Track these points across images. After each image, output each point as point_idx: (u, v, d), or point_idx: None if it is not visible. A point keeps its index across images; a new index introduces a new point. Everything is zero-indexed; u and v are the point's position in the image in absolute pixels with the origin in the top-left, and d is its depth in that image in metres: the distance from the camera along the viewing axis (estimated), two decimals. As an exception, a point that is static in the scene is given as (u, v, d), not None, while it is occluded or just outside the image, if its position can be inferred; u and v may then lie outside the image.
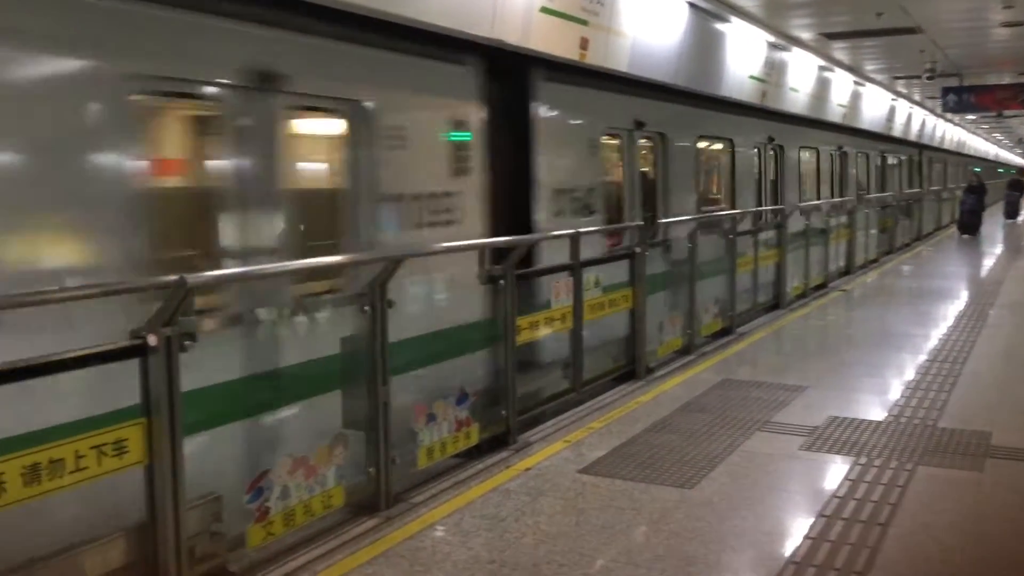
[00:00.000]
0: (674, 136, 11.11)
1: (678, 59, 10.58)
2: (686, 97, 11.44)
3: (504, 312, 6.09)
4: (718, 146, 13.42)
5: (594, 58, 8.58)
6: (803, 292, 12.81)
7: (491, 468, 5.61)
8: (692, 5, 10.81)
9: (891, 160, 25.06)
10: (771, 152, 15.30)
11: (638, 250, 7.94)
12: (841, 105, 18.94)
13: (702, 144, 12.53)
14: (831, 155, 19.10)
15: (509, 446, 6.00)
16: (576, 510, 4.95)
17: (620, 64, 9.22)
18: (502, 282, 6.01)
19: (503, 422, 6.07)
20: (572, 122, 8.98)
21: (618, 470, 5.52)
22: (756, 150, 14.59)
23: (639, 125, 10.25)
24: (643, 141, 10.69)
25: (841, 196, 18.93)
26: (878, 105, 22.39)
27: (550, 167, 8.35)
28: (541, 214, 8.24)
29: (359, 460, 4.91)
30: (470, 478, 5.44)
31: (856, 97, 20.02)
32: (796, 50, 15.09)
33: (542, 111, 8.27)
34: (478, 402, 5.76)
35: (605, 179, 9.74)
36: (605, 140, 9.85)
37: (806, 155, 17.36)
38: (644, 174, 10.78)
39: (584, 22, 8.36)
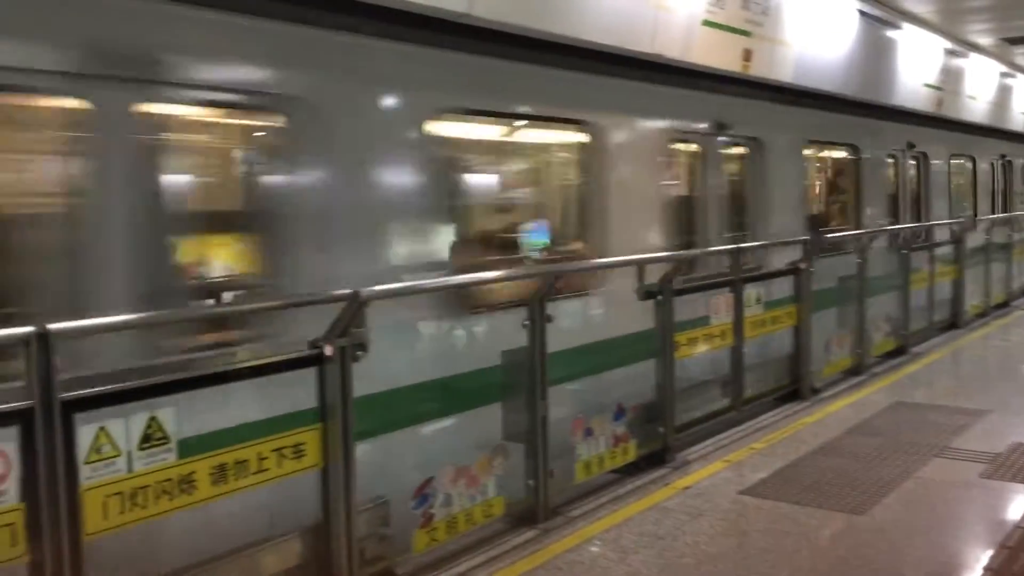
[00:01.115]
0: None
1: (847, 68, 10.22)
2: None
3: (662, 328, 6.04)
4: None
5: (757, 69, 8.42)
6: (983, 311, 12.06)
7: (649, 485, 5.57)
8: (862, 13, 10.42)
9: None
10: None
11: (803, 266, 7.70)
12: None
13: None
14: None
15: (667, 464, 5.93)
16: (738, 532, 4.85)
17: (785, 75, 8.99)
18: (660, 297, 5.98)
19: (660, 439, 6.02)
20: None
21: (782, 493, 5.36)
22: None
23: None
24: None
25: None
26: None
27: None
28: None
29: (518, 472, 4.99)
30: (627, 494, 5.41)
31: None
32: (974, 56, 14.27)
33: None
34: (635, 418, 5.74)
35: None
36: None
37: None
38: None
39: (747, 33, 8.21)
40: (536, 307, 4.94)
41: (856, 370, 8.56)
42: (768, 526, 4.88)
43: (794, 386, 7.70)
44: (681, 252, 7.20)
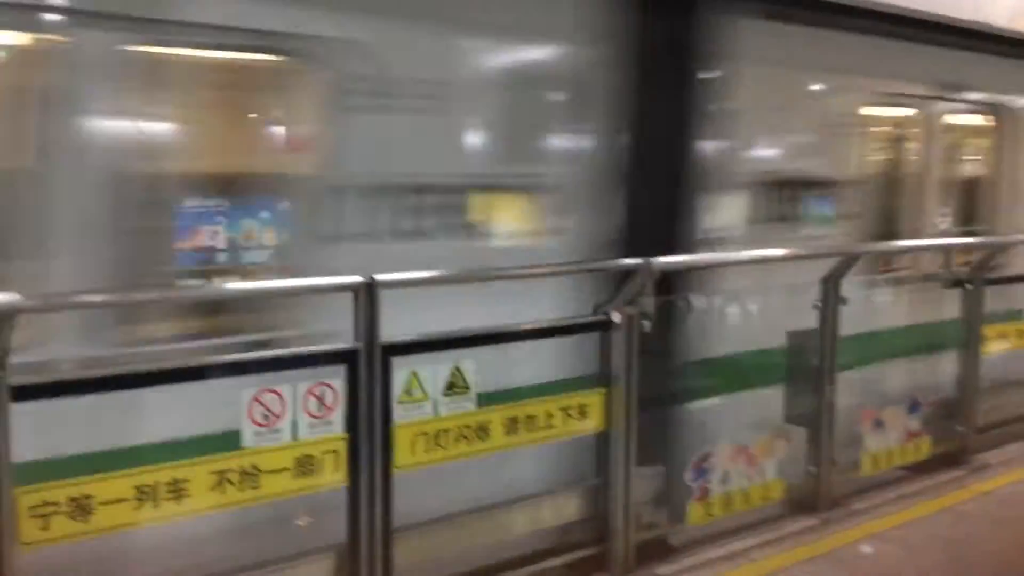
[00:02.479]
0: None
1: None
2: None
3: (969, 319, 5.59)
4: None
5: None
6: None
7: (942, 486, 5.23)
8: None
9: None
10: None
11: None
12: None
13: None
14: None
15: (963, 465, 5.52)
16: (1046, 547, 4.43)
17: None
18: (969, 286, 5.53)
19: (957, 439, 5.59)
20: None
21: (1102, 510, 4.82)
22: None
23: None
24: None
25: None
26: None
27: None
28: None
29: (799, 457, 4.84)
30: (917, 493, 5.12)
31: None
32: None
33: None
34: (931, 413, 5.37)
35: None
36: None
37: None
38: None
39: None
40: (830, 288, 4.74)
41: None
42: (1084, 545, 4.41)
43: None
44: (995, 239, 6.58)
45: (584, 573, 4.00)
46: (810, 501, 4.80)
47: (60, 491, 2.73)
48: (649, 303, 4.06)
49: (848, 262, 4.76)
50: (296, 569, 3.31)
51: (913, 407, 5.26)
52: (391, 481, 3.34)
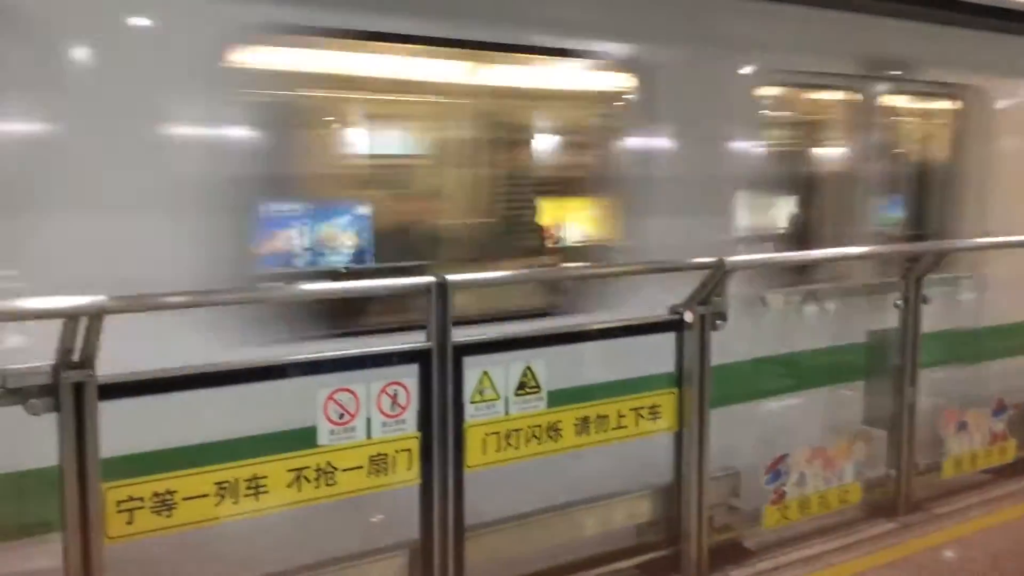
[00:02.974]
0: None
1: None
2: None
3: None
4: None
5: None
6: None
7: (1028, 491, 5.05)
8: None
9: None
10: None
11: None
12: None
13: None
14: None
15: (1050, 470, 5.32)
16: None
17: None
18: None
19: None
20: None
21: None
22: None
23: None
24: None
25: None
26: None
27: None
28: None
29: (878, 459, 4.73)
30: (1002, 498, 4.97)
31: None
32: None
33: None
34: (1017, 415, 5.19)
35: None
36: None
37: None
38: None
39: None
40: (912, 286, 4.62)
41: None
42: None
43: None
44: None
45: (657, 575, 3.97)
46: (890, 504, 4.69)
47: (145, 487, 2.82)
48: (724, 303, 4.02)
49: (933, 260, 4.63)
50: (369, 566, 3.36)
51: (999, 409, 5.09)
52: (463, 480, 3.36)
